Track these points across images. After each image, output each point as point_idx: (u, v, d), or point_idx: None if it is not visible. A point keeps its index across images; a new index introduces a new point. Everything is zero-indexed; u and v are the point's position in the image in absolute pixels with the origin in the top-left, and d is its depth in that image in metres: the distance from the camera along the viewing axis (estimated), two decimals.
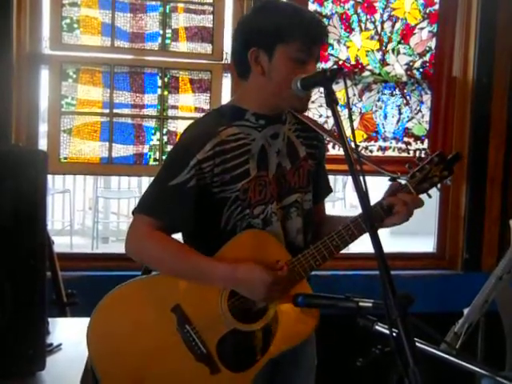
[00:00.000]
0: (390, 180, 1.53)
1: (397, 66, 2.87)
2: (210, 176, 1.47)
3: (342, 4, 2.78)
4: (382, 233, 1.13)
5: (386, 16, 2.82)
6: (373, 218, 1.18)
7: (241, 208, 1.50)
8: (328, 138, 1.74)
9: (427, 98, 2.91)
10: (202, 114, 2.44)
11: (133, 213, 1.53)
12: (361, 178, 1.17)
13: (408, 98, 2.90)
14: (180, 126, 2.59)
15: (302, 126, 1.62)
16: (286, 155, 1.57)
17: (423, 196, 1.56)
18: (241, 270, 1.44)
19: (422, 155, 1.59)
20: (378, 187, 1.63)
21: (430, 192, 1.55)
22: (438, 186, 1.56)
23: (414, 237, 4.94)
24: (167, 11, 2.60)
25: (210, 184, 1.48)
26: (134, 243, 1.51)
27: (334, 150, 2.71)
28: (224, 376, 1.49)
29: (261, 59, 1.48)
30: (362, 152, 2.83)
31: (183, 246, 1.52)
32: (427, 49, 2.88)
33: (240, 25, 1.55)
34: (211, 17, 2.63)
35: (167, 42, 2.61)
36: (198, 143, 1.47)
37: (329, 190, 1.75)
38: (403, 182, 1.53)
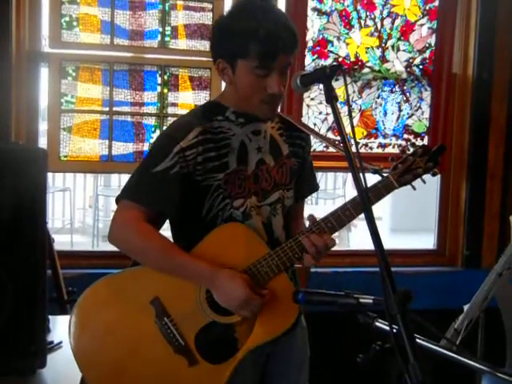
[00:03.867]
0: (372, 173, 1.53)
1: (396, 63, 2.86)
2: (193, 164, 1.49)
3: (341, 1, 2.78)
4: (382, 230, 1.13)
5: (385, 13, 2.82)
6: (373, 215, 1.17)
7: (222, 197, 1.52)
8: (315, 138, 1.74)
9: (427, 94, 2.91)
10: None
11: (116, 201, 1.54)
12: (361, 174, 1.17)
13: (408, 94, 2.89)
14: None
15: (285, 124, 1.64)
16: (269, 152, 1.59)
17: (407, 188, 1.55)
18: (222, 275, 1.46)
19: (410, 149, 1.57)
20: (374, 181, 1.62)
21: (415, 184, 1.55)
22: (424, 178, 1.56)
23: (414, 233, 4.94)
24: (166, 9, 2.60)
25: (193, 172, 1.50)
26: (119, 232, 1.52)
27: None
28: (202, 368, 1.50)
29: (226, 70, 1.51)
30: (362, 149, 2.84)
31: (167, 240, 1.54)
32: (427, 45, 2.88)
33: (212, 30, 1.59)
34: (210, 14, 2.63)
35: (167, 39, 2.61)
36: (181, 132, 1.50)
37: (313, 188, 1.76)
38: (385, 174, 1.53)
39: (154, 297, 1.50)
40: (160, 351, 1.49)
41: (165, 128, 1.65)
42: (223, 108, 1.56)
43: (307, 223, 1.53)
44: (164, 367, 1.51)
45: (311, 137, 1.73)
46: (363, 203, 1.17)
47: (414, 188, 1.56)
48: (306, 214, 1.80)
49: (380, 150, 2.88)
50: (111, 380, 1.52)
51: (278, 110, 1.63)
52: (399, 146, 2.90)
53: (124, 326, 1.51)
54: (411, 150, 1.57)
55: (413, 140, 2.91)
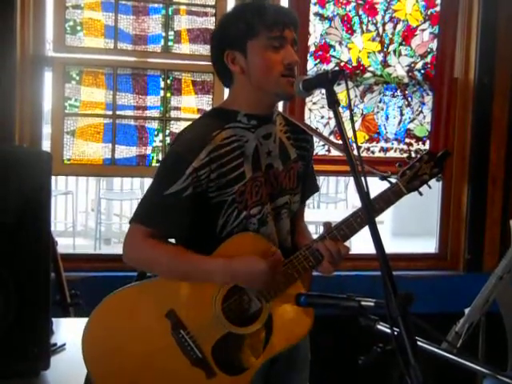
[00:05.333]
0: (380, 179, 1.54)
1: (398, 68, 2.88)
2: (206, 182, 1.47)
3: (343, 6, 2.79)
4: (384, 234, 1.14)
5: (387, 17, 2.83)
6: (374, 218, 1.18)
7: (237, 211, 1.50)
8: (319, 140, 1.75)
9: (429, 99, 2.92)
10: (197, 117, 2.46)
11: (130, 222, 1.53)
12: (362, 178, 1.18)
13: (409, 99, 2.90)
14: (182, 128, 2.59)
15: (291, 127, 1.64)
16: (278, 157, 1.58)
17: (414, 194, 1.57)
18: (237, 263, 1.45)
19: (413, 155, 1.59)
20: (379, 187, 1.64)
21: (421, 190, 1.57)
22: (429, 183, 1.57)
23: (416, 237, 4.94)
24: (170, 13, 2.62)
25: (206, 190, 1.48)
26: (132, 251, 1.51)
27: (335, 151, 2.72)
28: (220, 380, 1.49)
29: (237, 59, 1.51)
30: (364, 153, 2.84)
31: (179, 247, 1.53)
32: (428, 50, 2.89)
33: (212, 35, 1.60)
34: (213, 19, 2.65)
35: (170, 43, 2.63)
36: (192, 151, 1.46)
37: (314, 189, 1.75)
38: (394, 180, 1.54)
39: (169, 309, 1.49)
40: (177, 364, 1.48)
41: (174, 143, 1.59)
42: (234, 113, 1.53)
43: (322, 230, 1.54)
44: (181, 380, 1.50)
45: (314, 139, 1.73)
46: (364, 207, 1.18)
47: (420, 194, 1.57)
48: (306, 217, 1.82)
49: (382, 154, 2.88)
50: None
51: (280, 109, 1.63)
52: (401, 150, 2.91)
53: (140, 339, 1.50)
54: (413, 154, 1.58)
55: (414, 144, 2.92)
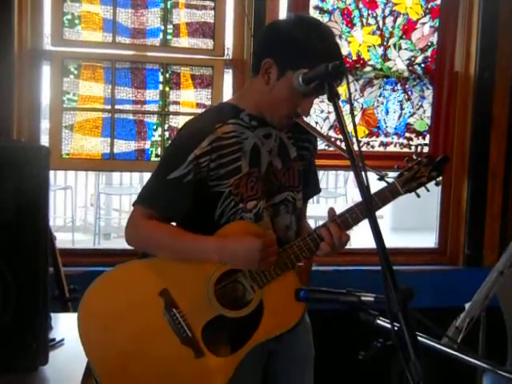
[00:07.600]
0: (378, 179, 1.57)
1: (398, 62, 2.87)
2: (206, 170, 1.52)
3: None
4: (383, 228, 1.13)
5: (387, 11, 2.82)
6: (374, 213, 1.18)
7: (234, 202, 1.55)
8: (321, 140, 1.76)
9: (429, 93, 2.91)
10: (203, 110, 2.46)
11: (133, 204, 1.60)
12: (362, 173, 1.18)
13: (409, 93, 2.89)
14: (181, 122, 2.59)
15: (294, 127, 1.66)
16: (278, 155, 1.62)
17: (411, 195, 1.59)
18: (232, 241, 1.50)
19: (414, 157, 1.61)
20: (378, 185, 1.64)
21: (418, 191, 1.59)
22: (428, 186, 1.60)
23: (416, 232, 4.94)
24: (168, 7, 2.60)
25: (205, 177, 1.53)
26: (133, 232, 1.57)
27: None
28: (208, 360, 1.52)
29: (271, 72, 1.52)
30: (364, 148, 2.84)
31: (177, 227, 1.59)
32: (429, 44, 2.88)
33: (270, 28, 1.59)
34: (212, 12, 2.63)
35: (168, 37, 2.61)
36: (195, 139, 1.52)
37: (316, 190, 1.80)
38: (390, 180, 1.57)
39: (163, 288, 1.53)
40: (167, 342, 1.52)
41: (179, 131, 1.66)
42: (238, 110, 1.59)
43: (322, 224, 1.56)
44: (170, 358, 1.53)
45: (318, 139, 1.75)
46: (365, 202, 1.18)
47: (418, 195, 1.60)
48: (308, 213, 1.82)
49: (381, 149, 2.88)
50: (118, 370, 1.54)
51: None
52: (401, 144, 2.90)
53: (133, 317, 1.54)
54: (413, 149, 1.60)
55: (414, 139, 2.91)
